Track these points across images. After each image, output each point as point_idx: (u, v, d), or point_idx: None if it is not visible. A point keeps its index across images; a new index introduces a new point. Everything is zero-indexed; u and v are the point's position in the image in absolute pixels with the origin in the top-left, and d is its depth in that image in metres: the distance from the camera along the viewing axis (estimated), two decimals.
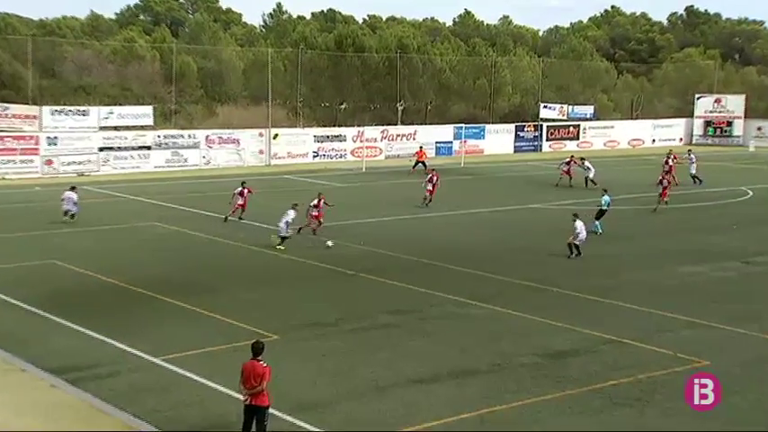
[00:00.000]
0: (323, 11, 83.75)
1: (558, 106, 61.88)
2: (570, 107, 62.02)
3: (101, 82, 52.09)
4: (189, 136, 47.35)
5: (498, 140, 58.50)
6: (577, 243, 24.36)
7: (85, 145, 43.86)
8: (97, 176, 42.42)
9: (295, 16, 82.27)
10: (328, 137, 51.83)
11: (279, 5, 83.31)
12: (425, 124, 57.41)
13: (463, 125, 55.55)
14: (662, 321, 18.24)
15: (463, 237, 28.24)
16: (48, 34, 58.21)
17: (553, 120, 61.53)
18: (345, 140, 51.98)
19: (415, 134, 54.44)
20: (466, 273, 22.53)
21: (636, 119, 69.50)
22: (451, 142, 55.14)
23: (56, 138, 43.03)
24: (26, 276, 21.67)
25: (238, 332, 16.65)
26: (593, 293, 20.32)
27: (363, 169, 46.82)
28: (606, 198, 28.61)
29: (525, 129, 60.32)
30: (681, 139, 67.15)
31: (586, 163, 40.45)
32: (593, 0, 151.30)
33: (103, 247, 25.75)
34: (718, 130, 67.32)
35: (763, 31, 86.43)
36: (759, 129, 66.30)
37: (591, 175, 39.60)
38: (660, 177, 34.48)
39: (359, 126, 53.39)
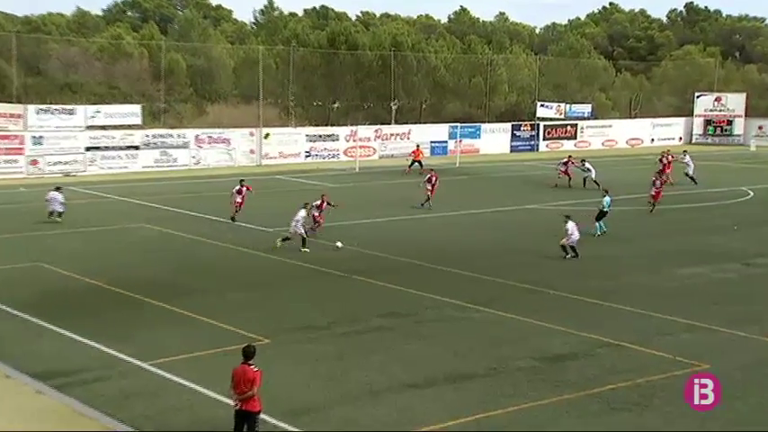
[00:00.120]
0: (315, 7, 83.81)
1: (555, 105, 61.99)
2: (567, 106, 62.13)
3: (87, 80, 52.00)
4: (178, 135, 47.30)
5: (494, 140, 58.58)
6: (572, 244, 24.35)
7: (72, 144, 43.76)
8: (84, 177, 42.33)
9: (287, 13, 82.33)
10: (321, 136, 51.83)
11: (270, 2, 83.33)
12: (420, 123, 57.47)
13: (458, 124, 55.61)
14: (661, 324, 18.29)
15: (459, 238, 28.27)
16: (33, 31, 58.08)
17: (550, 119, 61.64)
18: (338, 140, 51.99)
19: (409, 133, 54.47)
20: (461, 275, 22.55)
21: (634, 118, 69.69)
22: (446, 142, 55.19)
23: (41, 137, 42.91)
24: (11, 279, 21.61)
25: (228, 336, 16.64)
26: (592, 296, 20.36)
27: (357, 169, 46.83)
28: (607, 199, 28.65)
29: (522, 128, 60.41)
30: (680, 139, 67.37)
31: (587, 164, 40.47)
32: None
33: (91, 249, 25.70)
34: (719, 129, 67.53)
35: (764, 28, 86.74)
36: (760, 128, 66.52)
37: (593, 176, 39.68)
38: (653, 178, 34.24)
39: (352, 125, 53.37)
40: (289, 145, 50.37)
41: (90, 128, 44.62)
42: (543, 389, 14.38)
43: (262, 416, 11.65)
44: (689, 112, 68.46)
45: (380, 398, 14.01)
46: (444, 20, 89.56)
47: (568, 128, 62.35)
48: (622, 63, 77.43)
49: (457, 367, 15.40)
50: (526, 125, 60.72)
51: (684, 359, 15.78)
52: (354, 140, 50.92)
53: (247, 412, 11.39)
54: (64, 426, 12.73)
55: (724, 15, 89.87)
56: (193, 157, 47.24)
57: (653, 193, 33.01)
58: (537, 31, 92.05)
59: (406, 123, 56.54)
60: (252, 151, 49.15)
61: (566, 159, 41.63)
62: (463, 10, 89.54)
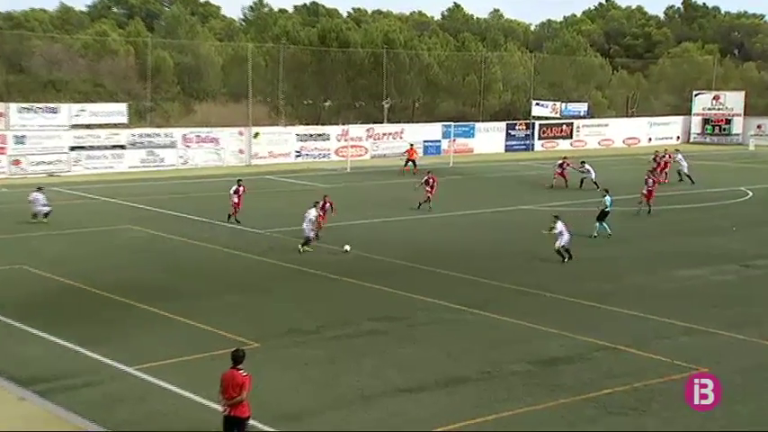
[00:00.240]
0: (305, 4, 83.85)
1: (550, 104, 62.10)
2: (563, 104, 62.24)
3: (72, 78, 51.86)
4: (165, 135, 47.20)
5: (489, 139, 58.69)
6: (565, 246, 24.33)
7: (55, 144, 43.63)
8: (68, 177, 42.20)
9: (276, 9, 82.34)
10: (311, 136, 51.82)
11: None
12: (413, 122, 57.53)
13: (452, 123, 55.69)
14: (659, 327, 18.35)
15: (453, 239, 28.31)
16: (15, 27, 57.92)
17: (545, 118, 61.76)
18: (329, 139, 52.00)
19: (401, 133, 54.51)
20: (455, 277, 22.58)
21: (631, 117, 69.92)
22: (440, 141, 55.25)
23: (24, 136, 42.76)
24: None
25: (217, 340, 16.61)
26: (588, 298, 20.41)
27: (348, 169, 46.83)
28: (608, 198, 28.68)
29: (516, 127, 60.54)
30: (678, 138, 67.62)
31: (586, 165, 40.50)
32: None
33: (75, 252, 25.63)
34: (717, 128, 67.79)
35: (763, 25, 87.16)
36: (759, 127, 66.80)
37: (592, 177, 39.79)
38: (645, 177, 34.15)
39: (343, 124, 53.39)
40: (279, 144, 50.34)
41: (74, 127, 44.48)
42: (538, 393, 14.41)
43: (251, 421, 11.64)
44: (687, 111, 68.73)
45: (372, 403, 14.01)
46: (437, 17, 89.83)
47: (564, 127, 62.50)
48: (619, 61, 77.68)
49: (450, 371, 15.42)
50: (521, 124, 60.84)
51: (683, 363, 15.83)
52: (346, 140, 50.92)
53: (236, 418, 11.38)
54: None
55: (722, 12, 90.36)
56: (181, 156, 47.15)
57: (644, 193, 32.79)
58: (532, 28, 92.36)
59: (399, 122, 56.58)
60: (241, 151, 49.10)
61: (561, 161, 41.72)
62: (457, 6, 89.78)
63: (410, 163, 46.37)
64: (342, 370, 15.44)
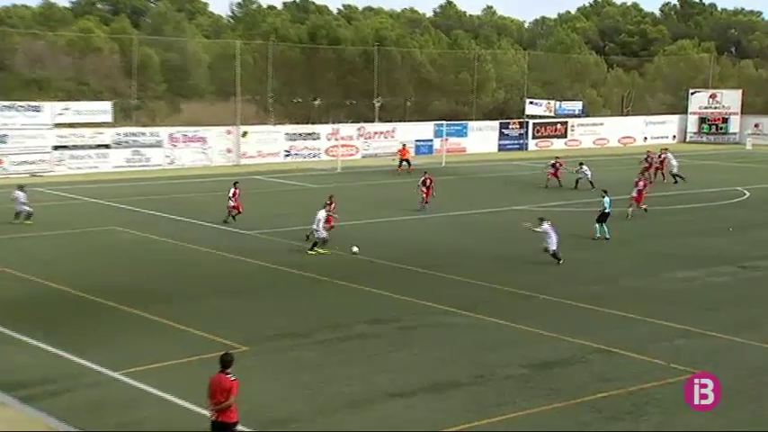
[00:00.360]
0: (295, 0, 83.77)
1: (544, 102, 62.23)
2: (557, 103, 62.38)
3: (55, 75, 51.69)
4: (151, 134, 47.09)
5: (481, 138, 58.77)
6: (554, 248, 24.25)
7: (38, 143, 43.48)
8: (51, 177, 42.06)
9: (265, 6, 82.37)
10: (301, 135, 51.79)
11: None
12: (404, 121, 57.57)
13: (444, 122, 55.74)
14: (655, 330, 18.42)
15: (445, 240, 28.35)
16: None
17: (539, 116, 61.90)
18: (319, 139, 51.98)
19: (393, 132, 54.55)
20: (448, 279, 22.61)
21: (627, 115, 70.12)
22: (432, 140, 55.29)
23: (5, 135, 42.58)
24: None
25: (205, 344, 16.59)
26: (582, 300, 20.47)
27: (339, 169, 46.82)
28: (607, 199, 28.67)
29: (510, 126, 60.64)
30: (674, 137, 67.87)
31: (584, 167, 40.49)
32: None
33: (58, 254, 25.55)
34: (714, 127, 68.05)
35: (760, 22, 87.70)
36: (756, 125, 67.07)
37: (589, 177, 39.91)
38: (636, 179, 34.10)
39: (334, 123, 53.40)
40: (267, 144, 50.30)
41: (58, 126, 44.33)
42: (532, 397, 14.44)
43: (239, 427, 11.63)
44: (683, 110, 68.98)
45: (362, 408, 14.02)
46: (430, 14, 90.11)
47: (558, 126, 62.64)
48: (614, 58, 77.94)
49: (443, 375, 15.44)
50: (515, 123, 60.95)
51: (679, 366, 15.88)
52: (336, 139, 50.91)
53: (224, 423, 11.37)
54: None
55: (719, 9, 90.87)
56: (167, 156, 47.05)
57: (634, 195, 32.55)
58: (526, 25, 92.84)
59: (390, 121, 56.61)
60: (229, 150, 49.03)
61: (553, 161, 41.81)
62: (449, 3, 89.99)
63: (404, 163, 46.45)
64: (332, 374, 15.44)
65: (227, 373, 11.41)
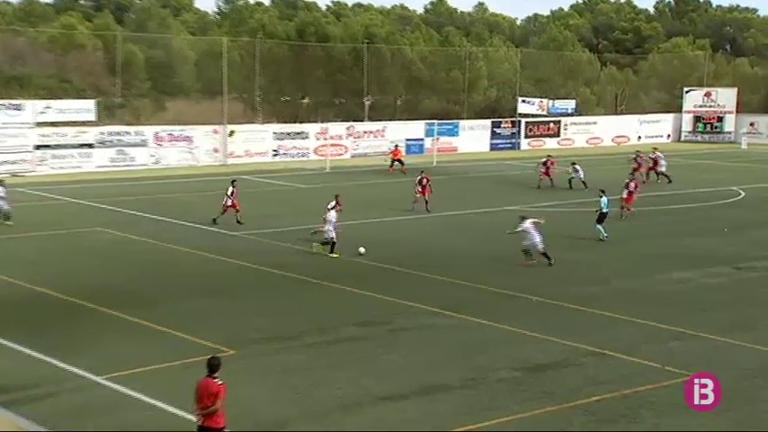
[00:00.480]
0: None
1: (537, 101, 62.43)
2: (550, 101, 62.59)
3: (36, 73, 51.46)
4: (136, 133, 46.98)
5: (473, 138, 58.87)
6: (532, 248, 24.14)
7: (20, 143, 43.31)
8: (33, 177, 41.90)
9: (252, 2, 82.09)
10: (289, 134, 51.76)
11: None
12: (395, 120, 57.60)
13: (435, 121, 55.78)
14: (648, 331, 18.49)
15: (436, 241, 28.39)
16: None
17: (532, 115, 62.07)
18: (308, 138, 51.97)
19: (383, 131, 54.58)
20: (439, 280, 22.64)
21: (620, 114, 70.37)
22: (423, 140, 55.34)
23: None
24: None
25: (190, 347, 16.57)
26: (575, 302, 20.53)
27: (328, 169, 46.82)
28: (604, 200, 28.67)
29: (502, 125, 60.77)
30: (668, 136, 68.14)
31: (576, 167, 40.69)
32: None
33: (40, 255, 25.45)
34: (709, 125, 68.36)
35: (755, 19, 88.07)
36: (752, 124, 67.43)
37: (581, 176, 40.07)
38: (626, 180, 33.99)
39: (322, 122, 53.39)
40: (255, 143, 50.25)
41: (39, 125, 44.18)
42: (524, 401, 14.48)
43: None
44: (677, 108, 69.27)
45: (351, 412, 14.03)
46: (420, 10, 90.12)
47: (551, 125, 62.81)
48: (608, 56, 78.16)
49: (432, 379, 15.46)
50: (507, 122, 61.07)
51: (674, 369, 15.94)
52: (325, 138, 50.91)
53: (210, 428, 11.35)
54: None
55: (714, 6, 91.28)
56: (152, 156, 46.94)
57: (624, 197, 32.43)
58: (518, 22, 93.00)
59: (380, 120, 56.65)
60: (215, 150, 48.96)
61: (545, 160, 41.92)
62: (440, 0, 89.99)
63: (396, 163, 46.52)
64: (320, 378, 15.44)
65: (215, 378, 11.41)
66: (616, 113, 70.57)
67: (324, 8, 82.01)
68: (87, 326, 18.26)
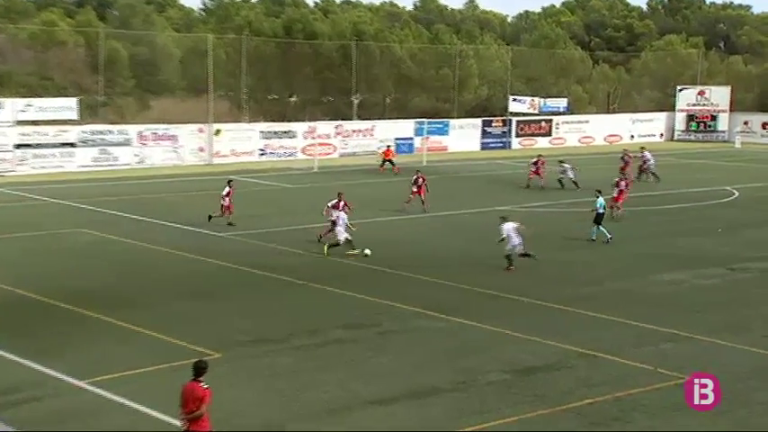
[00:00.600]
0: None
1: (528, 99, 62.53)
2: (542, 100, 62.69)
3: (16, 70, 51.23)
4: (119, 132, 46.82)
5: (463, 137, 58.95)
6: (519, 251, 24.05)
7: None
8: (13, 177, 41.71)
9: None
10: (276, 133, 51.70)
11: None
12: (384, 119, 57.60)
13: (425, 120, 55.80)
14: (641, 333, 18.55)
15: (426, 242, 28.41)
16: None
17: (523, 114, 62.17)
18: (295, 137, 51.92)
19: (372, 130, 54.59)
20: (428, 282, 22.66)
21: (613, 113, 70.57)
22: (412, 139, 55.36)
23: None
24: None
25: (175, 350, 16.53)
26: (566, 303, 20.58)
27: (316, 169, 46.80)
28: (600, 200, 28.74)
29: (493, 124, 60.86)
30: (662, 135, 68.36)
31: (565, 164, 40.92)
32: None
33: (21, 257, 25.34)
34: (702, 124, 68.60)
35: (749, 16, 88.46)
36: (745, 123, 67.70)
37: (570, 176, 40.21)
38: (617, 179, 34.03)
39: (310, 121, 53.34)
40: (241, 142, 50.16)
41: (20, 123, 43.98)
42: (516, 404, 14.51)
43: None
44: (670, 107, 69.51)
45: (340, 416, 14.02)
46: (409, 7, 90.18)
47: (543, 123, 62.95)
48: (600, 54, 78.41)
49: (423, 381, 15.47)
50: (498, 121, 61.17)
51: (666, 371, 16.01)
52: (313, 137, 50.87)
53: None
54: None
55: (707, 3, 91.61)
56: (136, 155, 46.80)
57: (614, 196, 32.30)
58: (509, 19, 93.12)
59: (369, 119, 56.63)
60: (201, 149, 48.85)
61: (535, 159, 42.02)
62: None
63: (387, 163, 46.58)
64: (308, 381, 15.44)
65: (200, 381, 11.39)
66: (608, 112, 70.75)
67: (311, 5, 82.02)
68: (69, 329, 18.19)
